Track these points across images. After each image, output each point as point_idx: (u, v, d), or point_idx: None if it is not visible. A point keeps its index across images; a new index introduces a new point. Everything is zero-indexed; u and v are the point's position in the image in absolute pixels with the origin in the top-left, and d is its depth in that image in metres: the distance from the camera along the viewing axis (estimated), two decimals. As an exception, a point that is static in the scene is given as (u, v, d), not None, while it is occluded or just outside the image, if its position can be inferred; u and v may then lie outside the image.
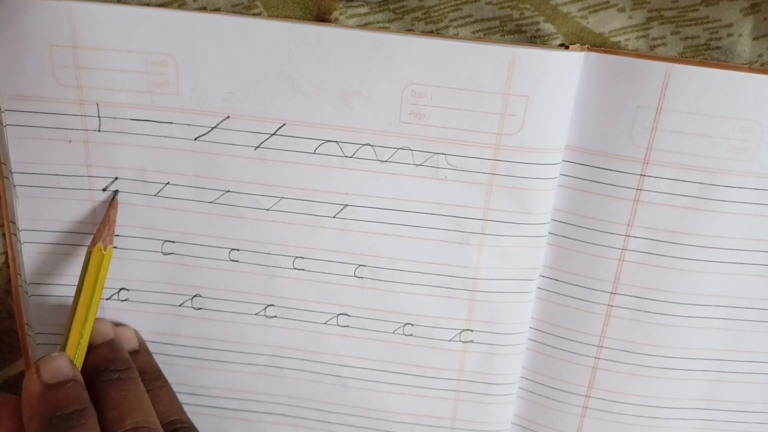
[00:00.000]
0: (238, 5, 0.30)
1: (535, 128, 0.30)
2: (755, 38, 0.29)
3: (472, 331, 0.33)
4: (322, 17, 0.30)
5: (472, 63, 0.29)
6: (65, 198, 0.32)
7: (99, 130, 0.30)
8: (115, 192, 0.32)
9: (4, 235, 0.33)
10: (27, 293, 0.33)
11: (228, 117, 0.30)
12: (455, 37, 0.30)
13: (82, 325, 0.30)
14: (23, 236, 0.32)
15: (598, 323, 0.33)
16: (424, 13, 0.30)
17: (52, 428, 0.27)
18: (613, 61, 0.29)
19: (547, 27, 0.30)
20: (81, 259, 0.31)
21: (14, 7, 0.28)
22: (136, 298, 0.34)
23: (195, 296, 0.34)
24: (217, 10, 0.30)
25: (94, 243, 0.31)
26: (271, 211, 0.32)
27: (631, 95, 0.29)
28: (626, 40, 0.30)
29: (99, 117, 0.30)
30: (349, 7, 0.30)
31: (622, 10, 0.29)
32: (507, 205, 0.31)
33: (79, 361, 0.30)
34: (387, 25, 0.30)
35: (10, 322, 0.35)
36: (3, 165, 0.31)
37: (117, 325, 0.34)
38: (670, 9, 0.29)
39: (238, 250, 0.33)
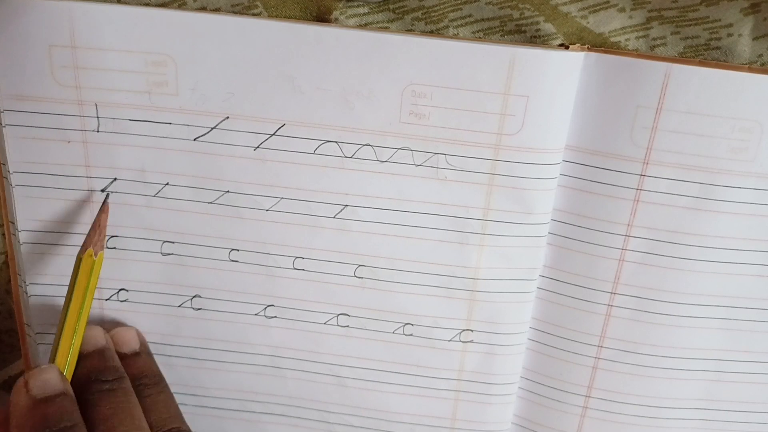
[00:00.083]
0: (237, 5, 0.30)
1: (535, 128, 0.29)
2: (755, 38, 0.29)
3: (472, 331, 0.33)
4: (322, 17, 0.30)
5: (472, 63, 0.29)
6: (64, 198, 0.32)
7: (98, 131, 0.30)
8: (106, 196, 0.31)
9: (3, 235, 0.33)
10: (27, 293, 0.33)
11: (227, 117, 0.30)
12: (455, 37, 0.30)
13: (72, 334, 0.30)
14: (22, 236, 0.32)
15: (598, 323, 0.33)
16: (424, 13, 0.30)
17: None
18: (613, 61, 0.29)
19: (547, 27, 0.30)
20: (80, 260, 0.31)
21: (14, 7, 0.28)
22: (135, 299, 0.34)
23: (195, 297, 0.34)
24: (216, 10, 0.30)
25: (84, 249, 0.30)
26: (270, 211, 0.32)
27: (631, 95, 0.29)
28: (626, 40, 0.30)
29: (98, 117, 0.30)
30: (349, 7, 0.30)
31: (622, 10, 0.29)
32: (507, 205, 0.31)
33: (70, 371, 0.30)
34: (387, 25, 0.30)
35: (10, 322, 0.35)
36: (2, 165, 0.31)
37: (119, 325, 0.34)
38: (670, 9, 0.29)
39: (237, 250, 0.32)
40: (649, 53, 0.30)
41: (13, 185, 0.31)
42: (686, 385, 0.34)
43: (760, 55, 0.30)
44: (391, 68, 0.29)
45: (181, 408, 0.32)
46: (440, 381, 0.34)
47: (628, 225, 0.31)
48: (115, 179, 0.31)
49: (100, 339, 0.31)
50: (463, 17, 0.30)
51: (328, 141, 0.30)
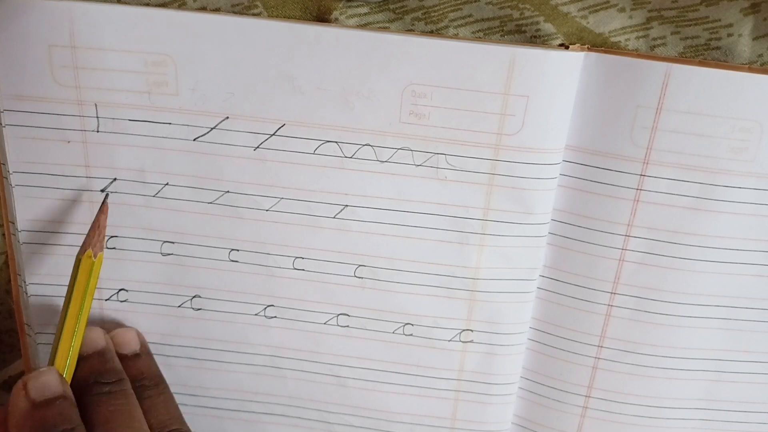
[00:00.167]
0: (237, 5, 0.29)
1: (535, 128, 0.29)
2: (755, 38, 0.29)
3: (472, 331, 0.33)
4: (322, 17, 0.30)
5: (472, 63, 0.29)
6: (64, 198, 0.32)
7: (98, 131, 0.30)
8: (106, 196, 0.31)
9: (3, 235, 0.33)
10: (27, 293, 0.33)
11: (227, 117, 0.30)
12: (455, 37, 0.30)
13: (72, 335, 0.30)
14: (22, 236, 0.32)
15: (598, 323, 0.33)
16: (424, 13, 0.30)
17: None
18: (613, 61, 0.29)
19: (547, 27, 0.30)
20: (80, 261, 0.31)
21: (13, 7, 0.28)
22: (135, 299, 0.34)
23: (194, 297, 0.34)
24: (217, 10, 0.30)
25: (83, 249, 0.30)
26: (270, 211, 0.32)
27: (631, 95, 0.29)
28: (626, 40, 0.30)
29: (97, 117, 0.30)
30: (349, 7, 0.30)
31: (622, 10, 0.29)
32: (507, 205, 0.31)
33: (69, 373, 0.30)
34: (387, 25, 0.30)
35: (10, 322, 0.35)
36: (2, 165, 0.31)
37: (119, 326, 0.34)
38: (670, 9, 0.29)
39: (237, 250, 0.32)
40: (649, 53, 0.30)
41: (13, 185, 0.31)
42: (686, 385, 0.34)
43: (760, 55, 0.30)
44: (391, 68, 0.29)
45: (181, 408, 0.32)
46: (440, 381, 0.34)
47: (628, 225, 0.31)
48: (115, 179, 0.31)
49: (100, 340, 0.31)
50: (463, 17, 0.30)
51: (328, 141, 0.30)
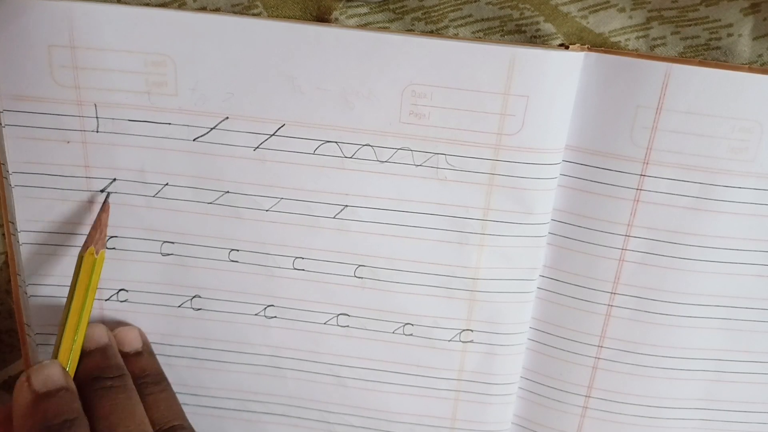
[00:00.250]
0: (237, 5, 0.29)
1: (535, 128, 0.29)
2: (755, 38, 0.29)
3: (472, 331, 0.33)
4: (322, 17, 0.30)
5: (472, 63, 0.29)
6: (64, 199, 0.32)
7: (97, 131, 0.30)
8: (107, 195, 0.31)
9: (3, 235, 0.33)
10: (26, 293, 0.33)
11: (227, 117, 0.30)
12: (455, 37, 0.30)
13: (75, 331, 0.30)
14: (22, 237, 0.32)
15: (598, 323, 0.33)
16: (424, 13, 0.30)
17: None
18: (613, 61, 0.29)
19: (547, 27, 0.30)
20: (80, 260, 0.31)
21: (13, 7, 0.28)
22: (135, 299, 0.34)
23: (194, 297, 0.34)
24: (216, 10, 0.29)
25: (85, 247, 0.30)
26: (270, 211, 0.32)
27: (631, 95, 0.29)
28: (626, 40, 0.30)
29: (97, 118, 0.30)
30: (349, 7, 0.30)
31: (622, 10, 0.29)
32: (507, 205, 0.31)
33: (72, 368, 0.30)
34: (387, 25, 0.30)
35: (9, 322, 0.35)
36: (2, 165, 0.31)
37: (121, 324, 0.34)
38: (670, 9, 0.29)
39: (237, 250, 0.32)
40: (649, 53, 0.30)
41: (13, 185, 0.31)
42: (686, 385, 0.34)
43: (760, 55, 0.30)
44: (391, 68, 0.29)
45: (181, 408, 0.32)
46: (440, 381, 0.34)
47: (628, 225, 0.31)
48: (115, 179, 0.31)
49: (103, 337, 0.32)
50: (463, 17, 0.30)
51: (328, 141, 0.30)
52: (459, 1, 0.29)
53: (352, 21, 0.30)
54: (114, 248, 0.32)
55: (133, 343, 0.33)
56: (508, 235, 0.31)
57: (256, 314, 0.34)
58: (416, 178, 0.31)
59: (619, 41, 0.30)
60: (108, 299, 0.34)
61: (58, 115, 0.30)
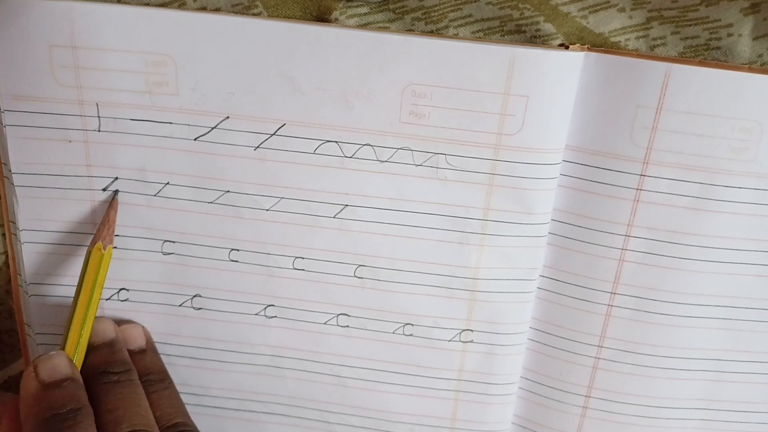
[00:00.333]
0: (238, 5, 0.30)
1: (535, 128, 0.30)
2: (755, 38, 0.29)
3: (472, 331, 0.33)
4: (322, 17, 0.30)
5: (472, 63, 0.29)
6: (65, 198, 0.32)
7: (99, 130, 0.30)
8: (115, 192, 0.32)
9: (4, 235, 0.33)
10: (27, 293, 0.33)
11: (228, 117, 0.30)
12: (455, 37, 0.30)
13: (81, 325, 0.30)
14: (23, 236, 0.32)
15: (598, 323, 0.33)
16: (424, 13, 0.30)
17: (47, 427, 0.27)
18: (613, 61, 0.29)
19: (547, 27, 0.30)
20: (81, 259, 0.31)
21: (14, 7, 0.28)
22: (136, 298, 0.34)
23: (195, 296, 0.34)
24: (217, 10, 0.30)
25: (93, 243, 0.31)
26: (271, 211, 0.32)
27: (631, 95, 0.29)
28: (626, 40, 0.30)
29: (99, 117, 0.30)
30: (349, 7, 0.30)
31: (622, 10, 0.29)
32: (507, 205, 0.31)
33: (79, 361, 0.30)
34: (387, 25, 0.30)
35: (10, 322, 0.35)
36: (3, 165, 0.31)
37: (126, 322, 0.34)
38: (670, 9, 0.29)
39: (238, 250, 0.33)
40: (649, 53, 0.30)
41: (14, 185, 0.31)
42: (686, 385, 0.34)
43: (760, 55, 0.30)
44: (391, 68, 0.29)
45: (182, 407, 0.32)
46: (440, 381, 0.34)
47: (628, 225, 0.31)
48: (116, 179, 0.31)
49: (110, 332, 0.32)
50: (463, 17, 0.30)
51: (328, 141, 0.30)
52: (459, 1, 0.29)
53: (352, 21, 0.30)
54: (115, 247, 0.32)
55: (137, 341, 0.33)
56: (508, 235, 0.31)
57: (256, 314, 0.34)
58: (416, 178, 0.31)
59: (619, 41, 0.30)
60: (109, 298, 0.34)
61: (59, 115, 0.30)
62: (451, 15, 0.30)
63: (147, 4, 0.29)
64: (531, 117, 0.29)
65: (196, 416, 0.35)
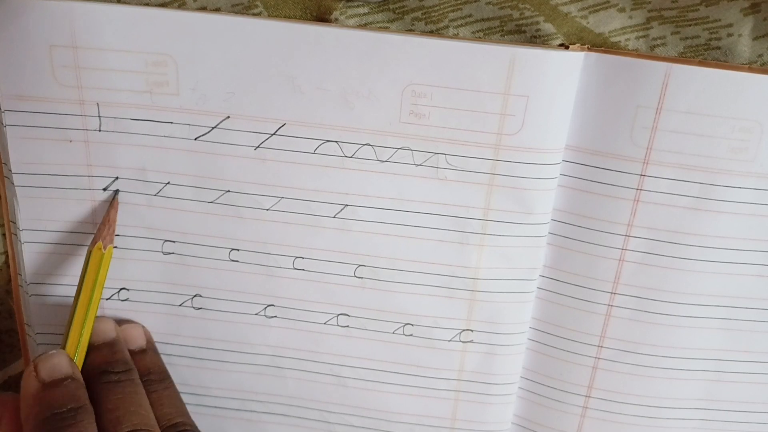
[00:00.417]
0: (238, 5, 0.30)
1: (535, 128, 0.30)
2: (755, 38, 0.29)
3: (472, 331, 0.33)
4: (322, 17, 0.30)
5: (472, 63, 0.29)
6: (65, 198, 0.32)
7: (99, 130, 0.30)
8: (116, 192, 0.32)
9: (4, 235, 0.33)
10: (27, 293, 0.33)
11: (228, 117, 0.30)
12: (455, 37, 0.30)
13: (82, 325, 0.30)
14: (23, 236, 0.32)
15: (598, 323, 0.33)
16: (424, 13, 0.30)
17: (47, 427, 0.27)
18: (613, 61, 0.29)
19: (547, 27, 0.30)
20: (81, 259, 0.31)
21: (14, 7, 0.28)
22: (136, 298, 0.34)
23: (195, 296, 0.34)
24: (217, 10, 0.30)
25: (94, 242, 0.31)
26: (271, 211, 0.32)
27: (631, 95, 0.29)
28: (626, 40, 0.30)
29: (99, 117, 0.30)
30: (349, 7, 0.30)
31: (622, 10, 0.29)
32: (507, 205, 0.31)
33: (79, 360, 0.30)
34: (387, 25, 0.30)
35: (10, 322, 0.35)
36: (3, 165, 0.31)
37: (126, 322, 0.34)
38: (670, 9, 0.29)
39: (238, 250, 0.33)
40: (649, 53, 0.30)
41: (15, 185, 0.31)
42: (686, 385, 0.34)
43: (760, 55, 0.30)
44: (391, 68, 0.29)
45: (182, 407, 0.32)
46: (440, 381, 0.34)
47: (628, 225, 0.31)
48: (117, 178, 0.31)
49: (111, 331, 0.32)
50: (463, 17, 0.30)
51: (329, 141, 0.30)
52: (459, 1, 0.29)
53: (352, 21, 0.30)
54: (116, 247, 0.32)
55: (137, 341, 0.33)
56: (508, 235, 0.32)
57: (256, 314, 0.34)
58: (416, 178, 0.31)
59: (619, 41, 0.30)
60: (109, 298, 0.34)
61: (59, 115, 0.30)
62: (451, 15, 0.30)
63: (147, 4, 0.29)
64: (531, 117, 0.29)
65: (197, 416, 0.35)
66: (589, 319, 0.33)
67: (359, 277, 0.33)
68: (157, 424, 0.29)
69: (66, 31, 0.28)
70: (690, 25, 0.29)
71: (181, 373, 0.35)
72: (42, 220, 0.32)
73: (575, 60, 0.29)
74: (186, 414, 0.31)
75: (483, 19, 0.30)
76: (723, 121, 0.29)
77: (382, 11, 0.30)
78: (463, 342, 0.33)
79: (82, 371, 0.30)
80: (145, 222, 0.32)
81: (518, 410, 0.36)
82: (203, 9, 0.30)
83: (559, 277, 0.33)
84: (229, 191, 0.31)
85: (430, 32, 0.30)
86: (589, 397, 0.34)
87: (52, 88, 0.30)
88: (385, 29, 0.30)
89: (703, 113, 0.29)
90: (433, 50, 0.29)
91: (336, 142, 0.30)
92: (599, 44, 0.30)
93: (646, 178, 0.30)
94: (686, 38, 0.30)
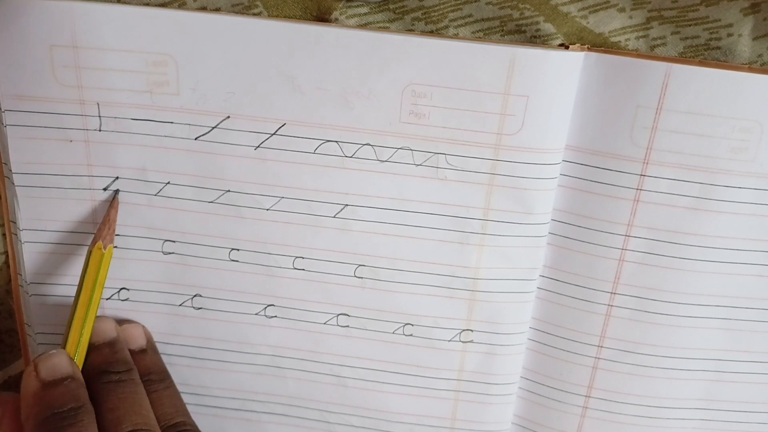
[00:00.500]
0: (238, 5, 0.30)
1: (535, 128, 0.30)
2: (755, 38, 0.29)
3: (472, 331, 0.33)
4: (322, 17, 0.30)
5: (472, 63, 0.29)
6: (66, 198, 0.32)
7: (100, 130, 0.30)
8: (116, 191, 0.32)
9: (4, 235, 0.33)
10: (27, 293, 0.33)
11: (228, 117, 0.30)
12: (455, 37, 0.30)
13: (82, 325, 0.30)
14: (24, 236, 0.32)
15: (598, 323, 0.33)
16: (424, 13, 0.30)
17: (47, 426, 0.27)
18: (613, 61, 0.29)
19: (547, 27, 0.30)
20: (82, 259, 0.31)
21: (14, 7, 0.28)
22: (136, 298, 0.34)
23: (195, 296, 0.34)
24: (217, 10, 0.30)
25: (94, 242, 0.31)
26: (271, 210, 0.32)
27: (631, 95, 0.29)
28: (626, 40, 0.30)
29: (99, 117, 0.30)
30: (349, 7, 0.30)
31: (622, 10, 0.30)
32: (507, 205, 0.31)
33: (80, 360, 0.30)
34: (387, 25, 0.30)
35: (10, 322, 0.35)
36: (3, 165, 0.32)
37: (126, 322, 0.34)
38: (670, 9, 0.29)
39: (238, 249, 0.33)
40: (649, 53, 0.30)
41: (15, 185, 0.31)
42: (686, 385, 0.34)
43: (760, 55, 0.30)
44: (391, 68, 0.29)
45: (182, 407, 0.32)
46: (440, 381, 0.34)
47: (628, 225, 0.31)
48: (117, 178, 0.31)
49: (111, 331, 0.32)
50: (463, 17, 0.30)
51: (329, 141, 0.30)
52: (459, 1, 0.30)
53: (352, 21, 0.30)
54: (116, 246, 0.32)
55: (137, 341, 0.33)
56: (508, 235, 0.32)
57: (256, 314, 0.34)
58: (416, 178, 0.31)
59: (619, 41, 0.30)
60: (109, 298, 0.34)
61: (60, 115, 0.30)
62: (451, 15, 0.30)
63: (147, 4, 0.29)
64: (531, 117, 0.29)
65: (197, 416, 0.35)
66: (589, 319, 0.33)
67: (359, 277, 0.33)
68: (157, 424, 0.29)
69: (66, 30, 0.28)
70: (690, 25, 0.29)
71: (181, 373, 0.35)
72: (42, 220, 0.32)
73: (575, 60, 0.29)
74: (186, 414, 0.31)
75: (483, 19, 0.30)
76: (723, 121, 0.29)
77: (382, 11, 0.30)
78: (463, 342, 0.33)
79: (82, 371, 0.30)
80: (145, 222, 0.32)
81: (518, 410, 0.36)
82: (203, 9, 0.30)
83: (559, 277, 0.33)
84: (229, 191, 0.31)
85: (430, 32, 0.30)
86: (589, 397, 0.34)
87: (52, 87, 0.30)
88: (385, 29, 0.30)
89: (703, 113, 0.29)
90: (433, 50, 0.29)
91: (336, 142, 0.30)
92: (599, 44, 0.30)
93: (646, 178, 0.30)
94: (686, 38, 0.30)
